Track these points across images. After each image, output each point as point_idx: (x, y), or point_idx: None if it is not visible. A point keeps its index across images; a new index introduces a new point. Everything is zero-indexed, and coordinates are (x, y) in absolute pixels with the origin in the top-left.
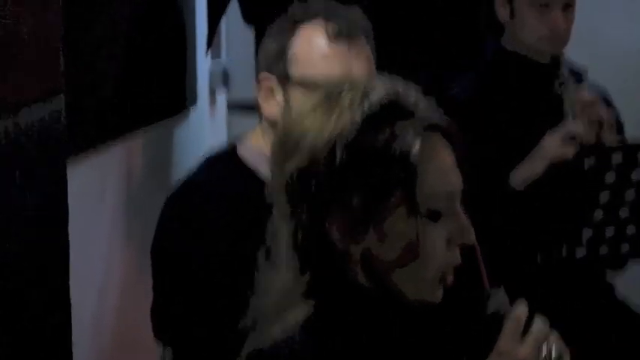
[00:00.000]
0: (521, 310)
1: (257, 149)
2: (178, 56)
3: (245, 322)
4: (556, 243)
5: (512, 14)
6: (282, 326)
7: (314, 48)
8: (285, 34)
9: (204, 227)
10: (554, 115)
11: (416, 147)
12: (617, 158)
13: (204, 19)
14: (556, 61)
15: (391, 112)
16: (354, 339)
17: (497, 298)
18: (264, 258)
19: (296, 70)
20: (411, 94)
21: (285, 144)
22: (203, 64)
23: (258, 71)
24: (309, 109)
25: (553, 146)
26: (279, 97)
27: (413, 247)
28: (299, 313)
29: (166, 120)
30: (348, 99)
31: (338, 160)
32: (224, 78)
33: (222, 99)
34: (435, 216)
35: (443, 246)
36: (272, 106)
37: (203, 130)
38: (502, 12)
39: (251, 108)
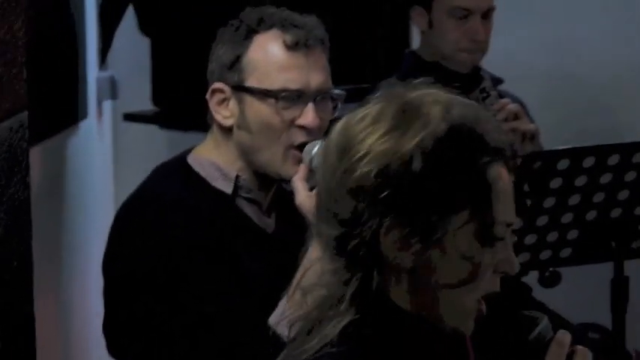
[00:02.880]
0: (565, 335)
1: (208, 160)
2: (71, 70)
3: (276, 332)
4: None
5: (430, 24)
6: (321, 337)
7: (271, 58)
8: (240, 43)
9: (162, 238)
10: None
11: (494, 168)
12: (563, 164)
13: (92, 31)
14: (476, 71)
15: (469, 131)
16: (390, 355)
17: (542, 323)
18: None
19: (252, 81)
20: (489, 118)
21: (349, 150)
22: (91, 76)
23: (210, 80)
24: (370, 122)
25: None
26: (232, 106)
27: (474, 269)
28: (339, 322)
29: (60, 134)
30: (434, 110)
31: (414, 167)
32: (112, 90)
33: (108, 111)
34: (494, 242)
35: (490, 272)
36: (225, 116)
37: (92, 143)
38: (420, 21)
39: (145, 119)
